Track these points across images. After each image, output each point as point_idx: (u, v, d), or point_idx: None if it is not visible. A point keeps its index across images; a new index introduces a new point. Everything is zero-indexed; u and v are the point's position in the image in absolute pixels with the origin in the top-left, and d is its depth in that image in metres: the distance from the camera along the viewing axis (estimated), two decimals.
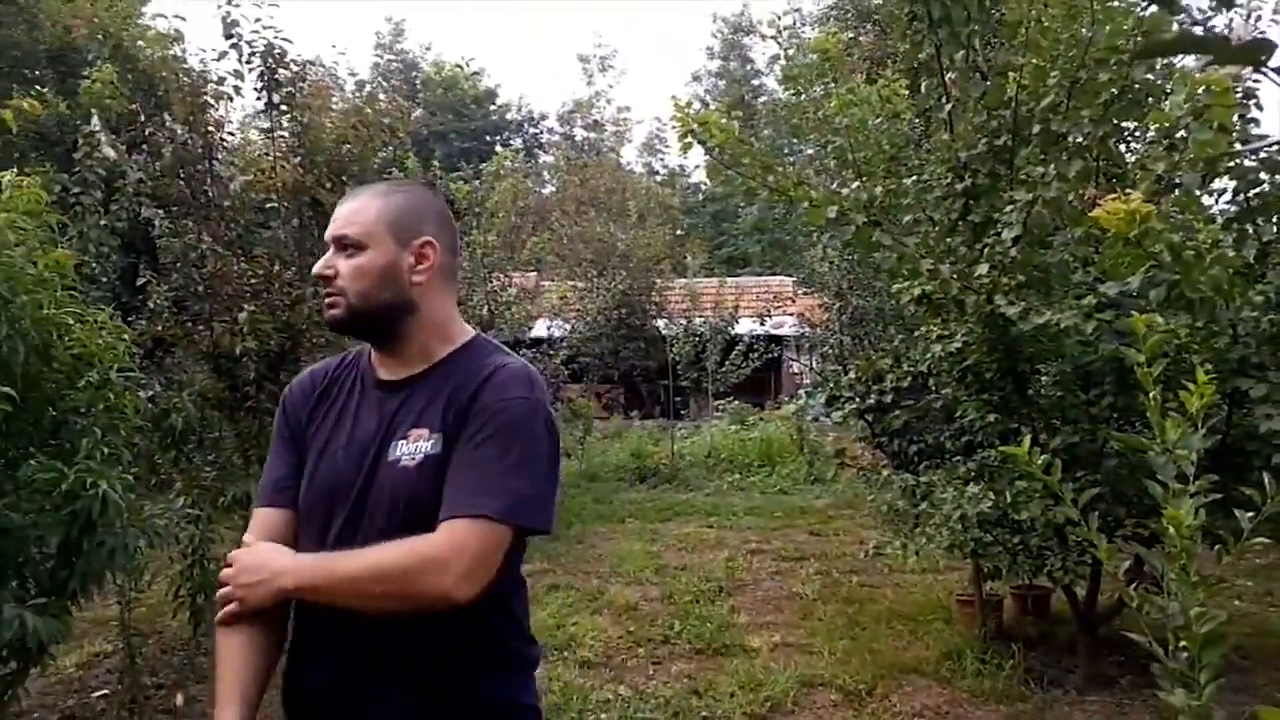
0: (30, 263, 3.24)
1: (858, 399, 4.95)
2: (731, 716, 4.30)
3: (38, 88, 3.43)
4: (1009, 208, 3.70)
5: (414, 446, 1.52)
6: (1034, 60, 3.72)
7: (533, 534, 1.55)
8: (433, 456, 1.50)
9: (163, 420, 4.48)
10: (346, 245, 1.58)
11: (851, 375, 5.03)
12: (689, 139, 3.23)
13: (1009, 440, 4.31)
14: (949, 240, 4.14)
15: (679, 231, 21.77)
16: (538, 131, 40.11)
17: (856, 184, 3.81)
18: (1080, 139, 3.55)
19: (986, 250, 3.84)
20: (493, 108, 38.21)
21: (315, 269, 1.63)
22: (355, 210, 1.61)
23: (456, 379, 1.57)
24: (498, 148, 34.38)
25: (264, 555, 1.53)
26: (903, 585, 6.72)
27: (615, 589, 6.66)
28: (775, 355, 15.40)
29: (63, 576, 3.43)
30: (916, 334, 4.53)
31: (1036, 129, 3.68)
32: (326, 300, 1.61)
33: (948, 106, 3.96)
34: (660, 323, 15.55)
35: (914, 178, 4.25)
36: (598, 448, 13.77)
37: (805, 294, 13.04)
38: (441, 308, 1.64)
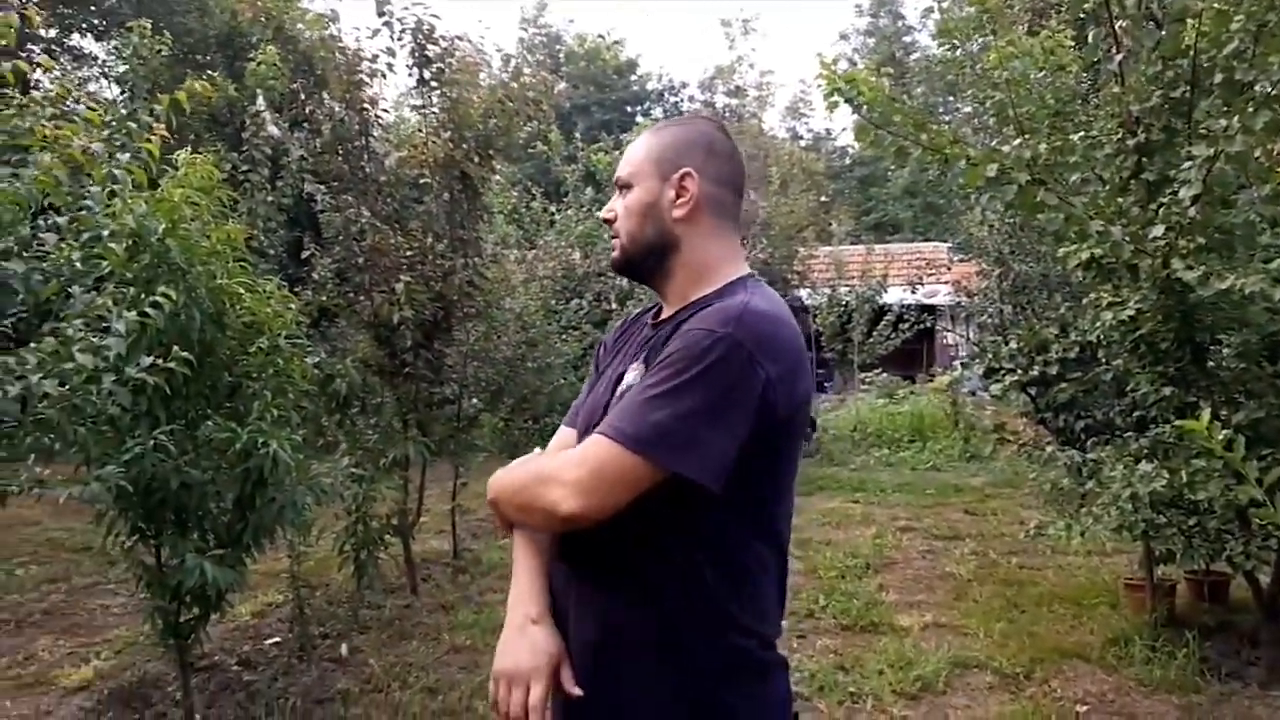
0: (204, 236, 3.45)
1: (1020, 371, 4.68)
2: (880, 694, 4.20)
3: (209, 72, 3.65)
4: (1187, 164, 3.39)
5: (629, 378, 1.51)
6: (1215, 4, 3.38)
7: (688, 482, 1.32)
8: (634, 387, 1.46)
9: (328, 385, 4.71)
10: (621, 186, 1.58)
11: (1013, 345, 4.76)
12: (835, 98, 3.09)
13: (1185, 415, 3.99)
14: (1119, 201, 3.84)
15: (823, 198, 21.27)
16: (678, 100, 39.92)
17: (1018, 141, 3.57)
18: (1268, 88, 3.20)
19: (1162, 211, 3.55)
20: (633, 78, 38.27)
21: (601, 213, 1.63)
22: (630, 150, 1.61)
23: (690, 315, 1.47)
24: (638, 118, 34.50)
25: (499, 470, 1.58)
26: (1065, 568, 6.39)
27: None
28: (927, 326, 14.85)
29: (238, 530, 3.67)
30: (1085, 302, 4.24)
31: (1218, 78, 3.34)
32: (611, 243, 1.63)
33: (1118, 57, 3.65)
34: (803, 292, 15.27)
35: (1081, 134, 3.96)
36: None
37: (961, 261, 12.50)
38: (706, 246, 1.55)
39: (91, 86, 14.86)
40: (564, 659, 1.45)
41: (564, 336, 8.20)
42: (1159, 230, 3.34)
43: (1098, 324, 4.11)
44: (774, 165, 16.95)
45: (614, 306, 9.24)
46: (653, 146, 1.58)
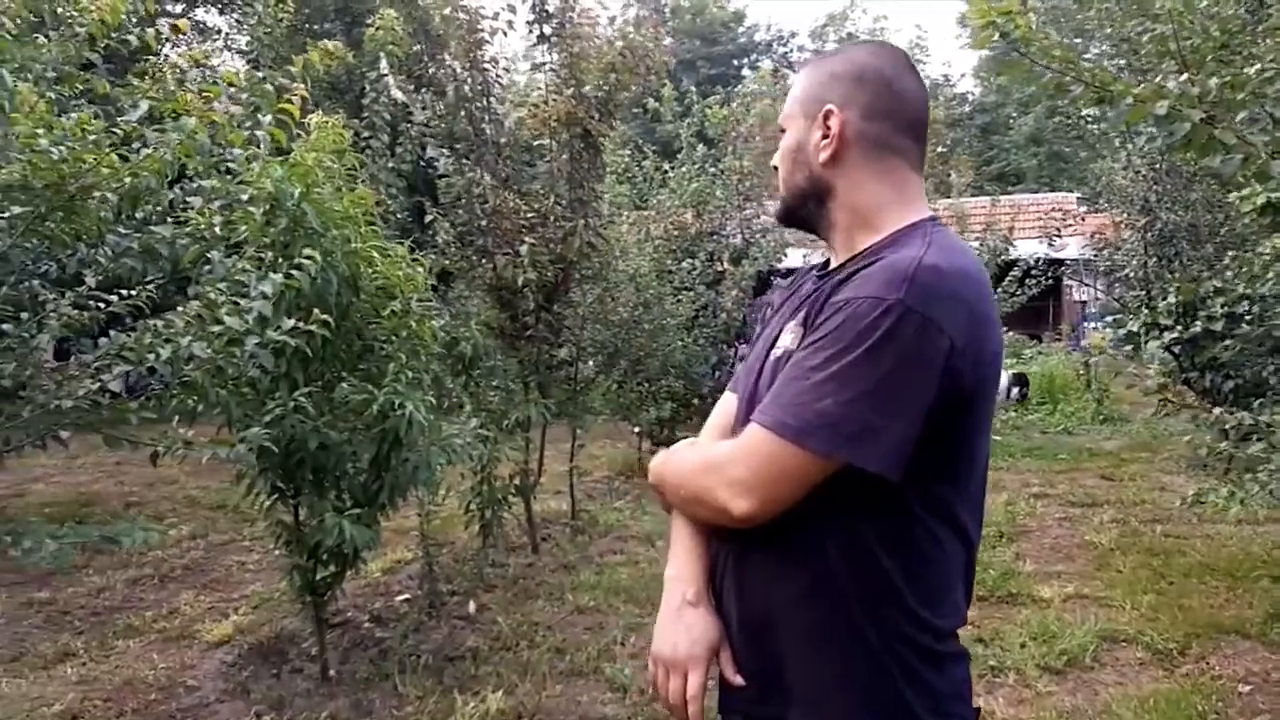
0: (337, 199, 3.47)
1: (1180, 327, 4.35)
2: (1024, 668, 4.01)
3: (327, 40, 3.68)
4: None
5: (785, 339, 1.39)
6: None
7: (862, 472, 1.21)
8: (789, 351, 1.34)
9: (453, 348, 4.74)
10: (781, 130, 1.48)
11: (1170, 300, 4.42)
12: (990, 31, 2.87)
13: None
14: None
15: (941, 148, 20.47)
16: (787, 50, 39.02)
17: (1184, 77, 3.26)
18: None
19: None
20: (740, 29, 37.54)
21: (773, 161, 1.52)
22: (791, 90, 1.49)
23: (855, 267, 1.32)
24: (745, 71, 33.84)
25: (661, 453, 1.51)
26: (1215, 538, 6.00)
27: None
28: (1055, 281, 14.09)
29: (374, 489, 3.73)
30: (1254, 252, 3.89)
31: None
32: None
33: None
34: None
35: (1256, 67, 3.59)
36: None
37: (1091, 212, 11.84)
38: (865, 188, 1.38)
39: (214, 61, 15.41)
40: (724, 644, 1.37)
41: (677, 298, 8.10)
42: None
43: (1269, 275, 3.77)
44: None
45: (726, 266, 9.08)
46: (802, 85, 1.45)
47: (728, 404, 1.56)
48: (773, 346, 1.42)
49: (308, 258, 3.01)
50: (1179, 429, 7.83)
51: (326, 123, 3.65)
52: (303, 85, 3.17)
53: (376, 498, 3.72)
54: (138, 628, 4.80)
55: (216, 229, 3.31)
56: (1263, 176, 3.14)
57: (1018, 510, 6.94)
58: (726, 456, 1.31)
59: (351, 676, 4.06)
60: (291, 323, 3.03)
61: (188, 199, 3.08)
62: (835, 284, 1.33)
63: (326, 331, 3.14)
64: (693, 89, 9.94)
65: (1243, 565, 5.34)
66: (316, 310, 3.08)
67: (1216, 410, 3.90)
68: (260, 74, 3.41)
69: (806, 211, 1.45)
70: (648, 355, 7.64)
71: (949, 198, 15.68)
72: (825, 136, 1.38)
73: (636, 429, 8.67)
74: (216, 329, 2.74)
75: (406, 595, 5.16)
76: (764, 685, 1.35)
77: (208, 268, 3.36)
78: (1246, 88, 3.52)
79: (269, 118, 3.08)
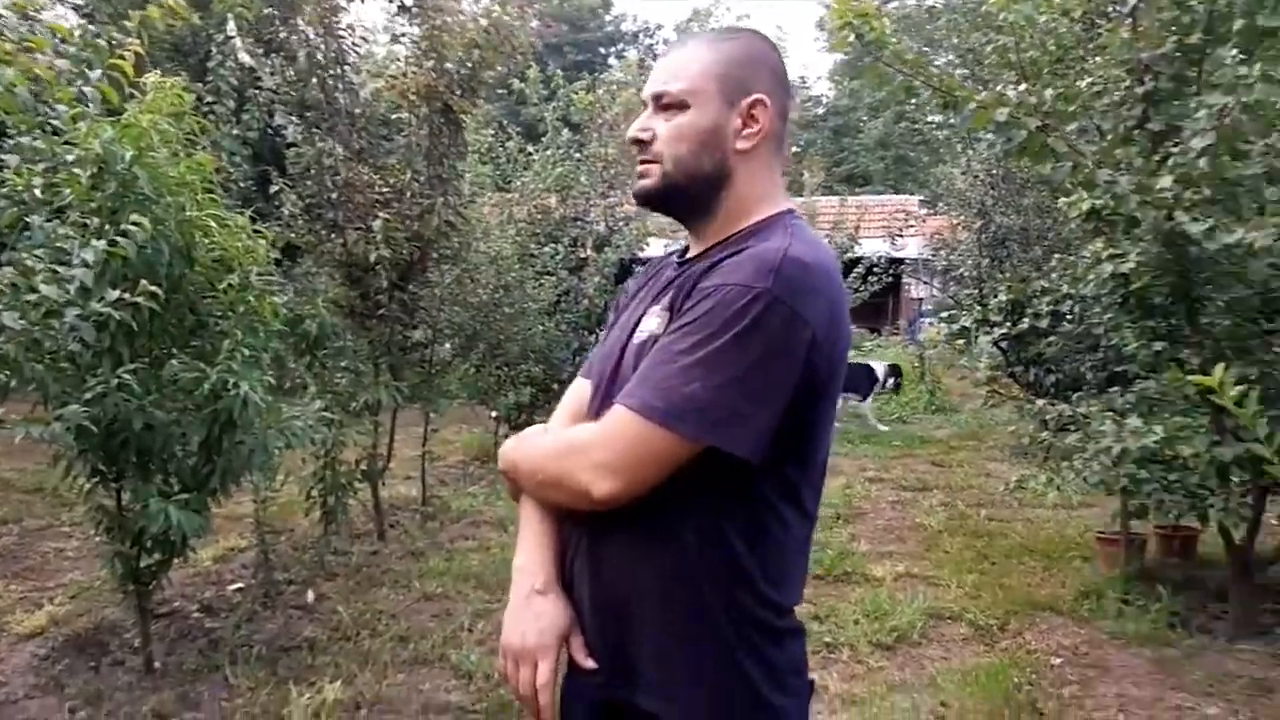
0: (173, 165, 3.25)
1: (1009, 324, 4.63)
2: (856, 644, 4.19)
3: None
4: (1198, 114, 3.31)
5: (649, 323, 1.36)
6: None
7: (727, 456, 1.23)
8: (654, 336, 1.32)
9: (296, 326, 4.54)
10: (668, 104, 1.35)
11: (1002, 298, 4.70)
12: (846, 32, 2.95)
13: (1162, 371, 3.98)
14: (1119, 152, 3.77)
15: (795, 147, 21.10)
16: (653, 43, 39.32)
17: (1023, 87, 3.46)
18: None
19: (1170, 161, 3.47)
20: (608, 18, 37.59)
21: (630, 132, 1.39)
22: (680, 62, 1.38)
23: (720, 255, 1.31)
24: (611, 60, 33.90)
25: (510, 439, 1.48)
26: (1034, 521, 6.45)
27: None
28: (895, 278, 14.85)
29: (204, 473, 3.53)
30: (1077, 255, 4.18)
31: (1238, 24, 3.25)
32: (639, 168, 1.39)
33: (1132, 1, 3.55)
34: None
35: (1087, 80, 3.86)
36: None
37: (931, 214, 12.47)
38: (758, 181, 1.38)
39: (46, 15, 14.19)
40: (574, 630, 1.36)
41: (538, 282, 8.03)
42: (1167, 181, 3.26)
43: (1090, 277, 4.06)
44: None
45: (589, 253, 9.07)
46: (715, 62, 1.36)
47: (580, 389, 1.53)
48: (633, 331, 1.40)
49: (135, 224, 2.80)
50: (1004, 419, 8.36)
51: (165, 83, 3.40)
52: (138, 42, 2.93)
53: (207, 482, 3.52)
54: None
55: (37, 192, 3.04)
56: (1089, 184, 3.37)
57: (854, 494, 7.25)
58: (591, 439, 1.29)
59: (178, 668, 3.84)
60: (116, 294, 2.82)
61: (3, 157, 2.81)
62: (702, 270, 1.32)
63: (155, 304, 2.94)
64: (559, 73, 9.84)
65: (1058, 546, 5.75)
66: (144, 281, 2.88)
67: (1039, 402, 4.18)
68: (93, 28, 3.15)
69: (693, 195, 1.37)
70: (507, 339, 7.54)
71: (801, 196, 16.22)
72: (747, 126, 1.35)
73: (494, 414, 8.56)
74: (32, 298, 2.51)
75: (240, 584, 4.93)
76: (614, 669, 1.35)
77: (26, 233, 3.09)
78: (1078, 100, 3.77)
79: (99, 74, 2.84)
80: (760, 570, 1.31)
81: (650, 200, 1.41)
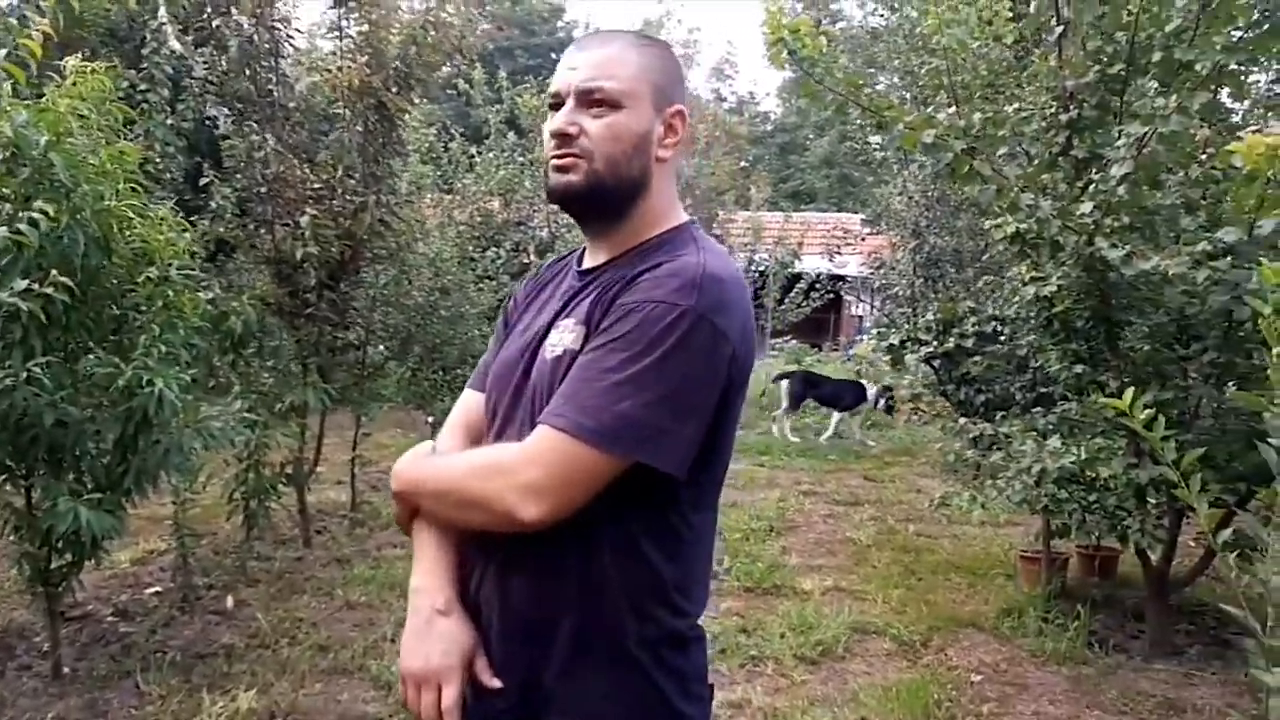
0: (93, 153, 3.15)
1: (935, 343, 4.71)
2: (781, 657, 4.21)
3: None
4: (1120, 142, 3.41)
5: (559, 337, 1.33)
6: None
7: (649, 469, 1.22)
8: (570, 351, 1.29)
9: (222, 323, 4.43)
10: (599, 100, 1.30)
11: (930, 317, 4.79)
12: (779, 48, 2.98)
13: (1088, 394, 4.08)
14: (1044, 177, 3.86)
15: (744, 162, 21.28)
16: None
17: (953, 110, 3.53)
18: (1207, 68, 3.22)
19: (1091, 188, 3.57)
20: (560, 24, 37.61)
21: (555, 125, 1.32)
22: (611, 59, 1.32)
23: (632, 268, 1.30)
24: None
25: (404, 459, 1.42)
26: (961, 538, 6.55)
27: None
28: (837, 295, 15.05)
29: (118, 473, 3.43)
30: (1004, 277, 4.27)
31: (1157, 57, 3.35)
32: (561, 161, 1.31)
33: (1059, 30, 3.64)
34: None
35: (1015, 106, 3.95)
36: None
37: (872, 233, 12.66)
38: (666, 191, 1.39)
39: None
40: (477, 650, 1.33)
41: (479, 286, 7.96)
42: (1088, 207, 3.34)
43: (1016, 298, 4.15)
44: (700, 124, 16.78)
45: (532, 258, 9.03)
46: (646, 67, 1.34)
47: (470, 401, 1.50)
48: (538, 345, 1.37)
49: (41, 211, 2.70)
50: (935, 436, 8.51)
51: (87, 68, 3.30)
52: (46, 20, 2.83)
53: (121, 482, 3.41)
54: None
55: None
56: (1013, 208, 3.44)
57: (788, 506, 7.31)
58: (517, 460, 1.24)
59: (88, 674, 3.73)
60: (25, 284, 2.72)
61: None
62: (618, 283, 1.31)
63: (67, 296, 2.84)
64: (503, 76, 9.80)
65: (983, 563, 5.85)
66: (54, 271, 2.78)
67: (962, 420, 4.25)
68: (9, 4, 3.05)
69: (616, 198, 1.33)
70: (445, 343, 7.44)
71: (748, 210, 16.35)
72: (669, 135, 1.36)
73: (430, 419, 8.44)
74: None
75: (157, 588, 4.79)
76: (524, 692, 1.32)
77: None
78: (1006, 125, 3.86)
79: (3, 53, 2.74)
80: (674, 581, 1.31)
81: (573, 197, 1.34)
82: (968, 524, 6.66)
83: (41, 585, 3.56)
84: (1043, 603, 4.88)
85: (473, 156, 9.31)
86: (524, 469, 1.22)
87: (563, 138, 1.31)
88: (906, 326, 4.95)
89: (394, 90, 5.03)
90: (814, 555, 6.05)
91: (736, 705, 3.74)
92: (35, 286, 2.75)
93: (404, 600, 4.18)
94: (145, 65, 4.84)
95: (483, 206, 8.81)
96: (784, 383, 11.12)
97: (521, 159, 9.04)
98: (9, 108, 2.89)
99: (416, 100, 5.55)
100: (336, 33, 5.21)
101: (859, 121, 3.57)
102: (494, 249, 8.59)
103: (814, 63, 3.04)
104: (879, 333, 4.97)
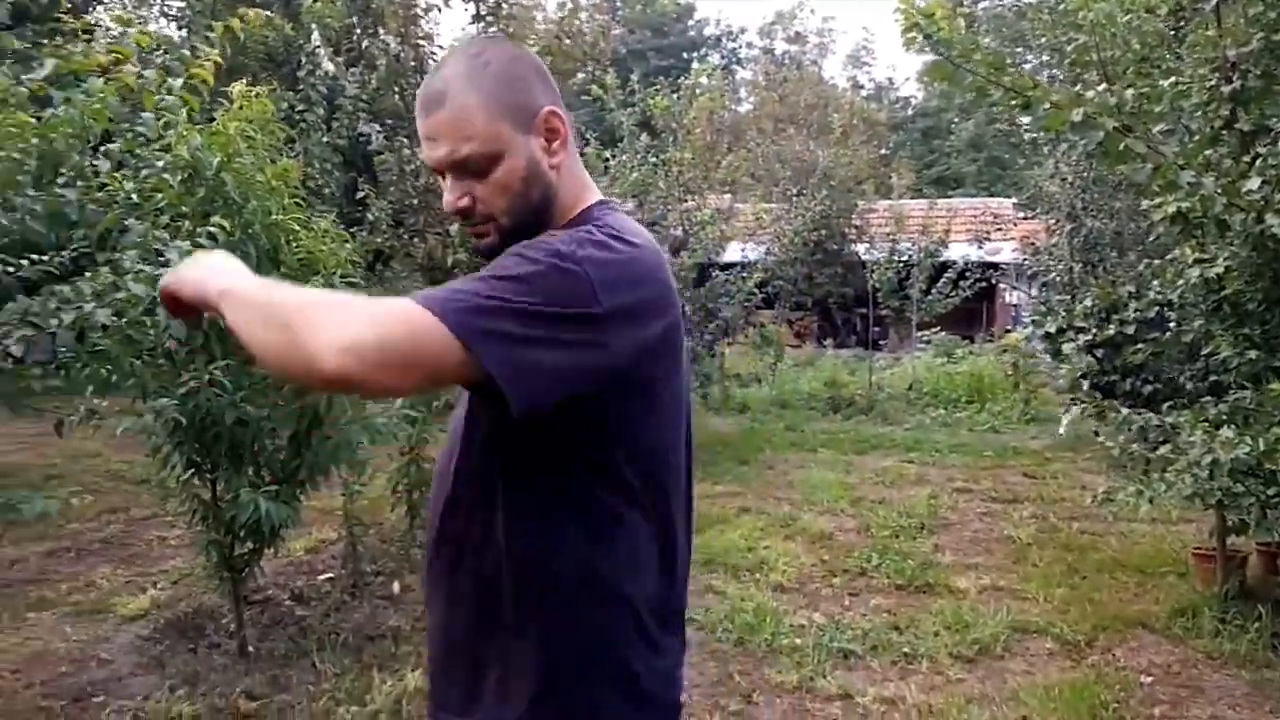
0: (260, 171, 3.41)
1: (1094, 331, 4.48)
2: (936, 655, 4.10)
3: (260, 9, 3.58)
4: None
5: None
6: None
7: (482, 374, 1.09)
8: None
9: None
10: (471, 170, 1.26)
11: (1087, 304, 4.55)
12: (913, 34, 2.91)
13: (1264, 381, 3.79)
14: (1208, 153, 3.62)
15: (884, 150, 20.75)
16: (736, 46, 39.26)
17: (1103, 87, 3.36)
18: None
19: (1259, 163, 3.32)
20: (691, 23, 37.68)
21: (448, 204, 1.29)
22: (456, 119, 1.24)
23: None
24: (694, 64, 34.02)
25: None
26: (1128, 535, 6.20)
27: (808, 517, 6.54)
28: (989, 284, 14.40)
29: (293, 467, 3.68)
30: (1167, 259, 4.03)
31: None
32: (474, 232, 1.31)
33: None
34: (860, 247, 14.88)
35: (1171, 80, 3.72)
36: (789, 375, 13.54)
37: (1026, 217, 12.12)
38: (574, 180, 1.34)
39: (151, 26, 14.95)
40: None
41: None
42: (1255, 183, 3.12)
43: (1179, 282, 3.91)
44: (835, 114, 16.52)
45: (667, 257, 9.10)
46: (489, 99, 1.25)
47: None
48: None
49: (218, 226, 2.94)
50: (1104, 429, 8.07)
51: (251, 92, 3.57)
52: (215, 50, 3.08)
53: (296, 475, 3.68)
54: (51, 600, 4.69)
55: (132, 196, 3.22)
56: (1172, 186, 3.25)
57: (940, 504, 7.09)
58: (349, 305, 1.13)
59: (269, 653, 4.01)
60: None
61: (95, 163, 2.98)
62: None
63: None
64: (634, 78, 9.90)
65: (1153, 561, 5.52)
66: None
67: (1124, 411, 4.03)
68: (180, 37, 3.32)
69: (534, 227, 1.28)
70: None
71: (889, 199, 15.92)
72: (552, 140, 1.30)
73: None
74: (122, 295, 2.67)
75: (329, 574, 5.10)
76: (462, 687, 1.33)
77: (125, 236, 3.28)
78: (1163, 100, 3.64)
79: (180, 82, 2.99)
80: (604, 563, 1.27)
81: (501, 249, 1.26)
82: (1136, 521, 6.29)
83: (227, 570, 3.86)
84: (1219, 603, 4.57)
85: (607, 160, 9.45)
86: (350, 316, 1.09)
87: (461, 214, 1.30)
88: (1063, 314, 4.71)
89: None
90: (969, 554, 5.86)
91: (890, 701, 3.68)
92: None
93: None
94: (302, 86, 5.18)
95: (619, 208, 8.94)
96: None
97: (654, 160, 9.10)
98: (185, 133, 3.17)
99: None
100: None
101: (1000, 104, 3.43)
102: None
103: (951, 45, 2.96)
104: (1034, 321, 4.75)
